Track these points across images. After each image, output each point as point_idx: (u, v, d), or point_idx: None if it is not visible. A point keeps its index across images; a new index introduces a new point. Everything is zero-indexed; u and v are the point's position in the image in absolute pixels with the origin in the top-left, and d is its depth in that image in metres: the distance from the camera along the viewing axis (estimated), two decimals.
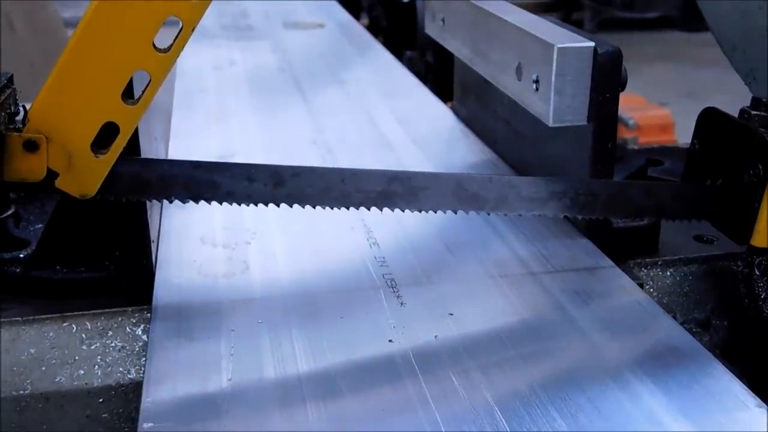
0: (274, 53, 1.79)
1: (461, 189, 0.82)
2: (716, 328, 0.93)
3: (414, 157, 1.19)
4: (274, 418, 0.64)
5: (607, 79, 0.85)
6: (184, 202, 0.79)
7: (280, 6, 2.29)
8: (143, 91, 0.72)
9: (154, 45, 0.69)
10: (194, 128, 1.30)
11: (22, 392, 0.76)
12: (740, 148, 0.83)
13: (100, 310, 0.79)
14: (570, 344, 0.74)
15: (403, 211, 0.82)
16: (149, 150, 0.91)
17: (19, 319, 0.78)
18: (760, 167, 0.80)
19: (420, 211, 0.82)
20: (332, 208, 0.81)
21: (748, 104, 0.86)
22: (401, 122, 1.33)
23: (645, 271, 0.91)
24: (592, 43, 0.85)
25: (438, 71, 1.77)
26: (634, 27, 5.71)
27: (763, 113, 0.84)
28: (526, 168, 1.10)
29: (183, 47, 0.71)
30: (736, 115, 0.86)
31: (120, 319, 0.80)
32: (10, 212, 0.93)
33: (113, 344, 0.79)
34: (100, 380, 0.78)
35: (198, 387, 0.67)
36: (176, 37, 0.70)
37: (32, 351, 0.77)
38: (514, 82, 0.95)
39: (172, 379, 0.68)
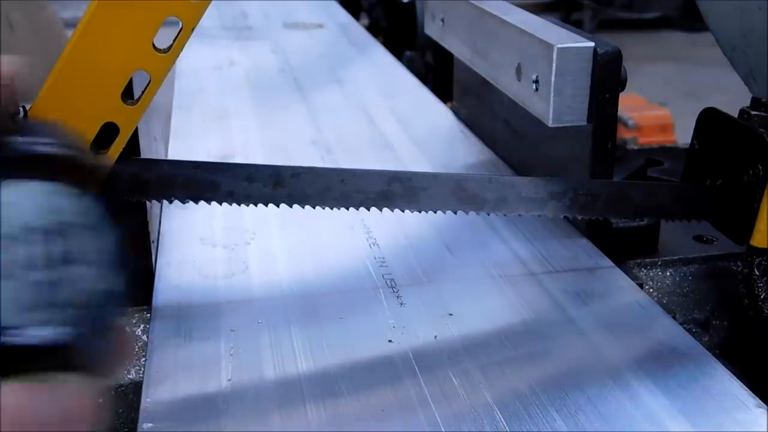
0: (274, 53, 1.79)
1: (461, 189, 0.82)
2: (716, 329, 0.93)
3: (414, 157, 1.19)
4: (274, 418, 0.63)
5: (607, 79, 0.85)
6: (183, 203, 0.79)
7: (280, 6, 2.29)
8: (143, 92, 0.72)
9: (154, 45, 0.69)
10: (194, 128, 1.30)
11: None
12: (740, 149, 0.83)
13: None
14: (570, 344, 0.74)
15: (403, 211, 0.82)
16: (149, 150, 0.91)
17: None
18: (760, 167, 0.80)
19: (420, 212, 0.82)
20: (332, 209, 0.81)
21: (748, 104, 0.86)
22: (401, 122, 1.33)
23: (645, 271, 0.91)
24: (592, 43, 0.85)
25: (438, 71, 1.77)
26: (634, 27, 5.71)
27: (763, 113, 0.84)
28: (526, 168, 1.10)
29: (183, 47, 0.70)
30: (735, 115, 0.86)
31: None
32: None
33: None
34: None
35: (198, 387, 0.67)
36: (176, 37, 0.70)
37: None
38: (514, 83, 0.95)
39: (172, 379, 0.68)
